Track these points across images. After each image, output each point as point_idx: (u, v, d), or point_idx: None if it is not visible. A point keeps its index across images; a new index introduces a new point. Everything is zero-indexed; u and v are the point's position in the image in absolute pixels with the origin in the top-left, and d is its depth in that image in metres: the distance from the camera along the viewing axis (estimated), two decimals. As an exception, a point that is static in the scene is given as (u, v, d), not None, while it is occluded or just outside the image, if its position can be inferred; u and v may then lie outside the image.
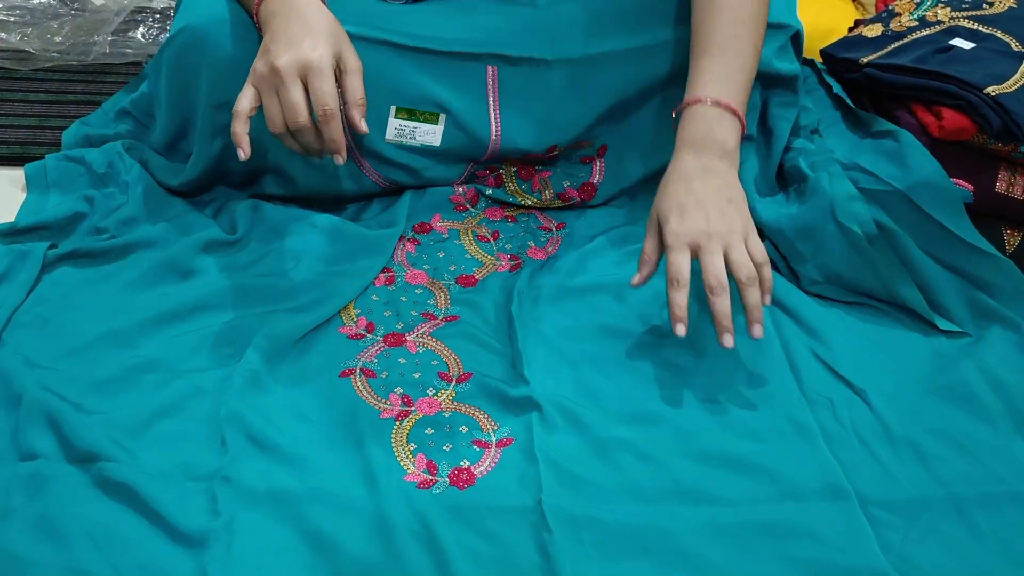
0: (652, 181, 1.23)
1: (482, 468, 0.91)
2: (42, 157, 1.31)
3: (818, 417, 0.98)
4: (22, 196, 1.23)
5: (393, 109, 1.15)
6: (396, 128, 1.15)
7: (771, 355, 1.05)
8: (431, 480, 0.89)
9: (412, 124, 1.16)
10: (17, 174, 1.30)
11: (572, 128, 1.22)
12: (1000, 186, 1.17)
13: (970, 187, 1.16)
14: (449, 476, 0.89)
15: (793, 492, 0.90)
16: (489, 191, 1.26)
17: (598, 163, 1.27)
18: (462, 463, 0.91)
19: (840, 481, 0.90)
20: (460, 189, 1.25)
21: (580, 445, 0.93)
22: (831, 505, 0.88)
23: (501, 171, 1.26)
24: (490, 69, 1.18)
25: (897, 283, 1.11)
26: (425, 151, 1.20)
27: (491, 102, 1.19)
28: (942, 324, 1.10)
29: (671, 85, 1.21)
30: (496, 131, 1.20)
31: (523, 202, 1.26)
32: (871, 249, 1.10)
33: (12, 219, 1.18)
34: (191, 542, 0.81)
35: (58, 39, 1.58)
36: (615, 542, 0.84)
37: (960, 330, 1.10)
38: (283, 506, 0.85)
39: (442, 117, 1.17)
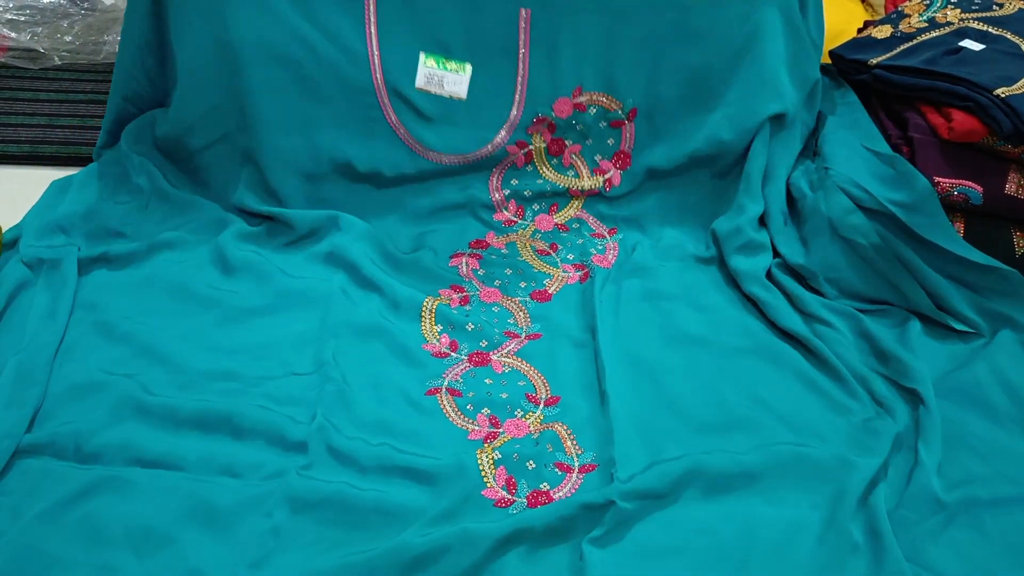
0: (684, 152, 1.25)
1: (562, 493, 0.90)
2: (50, 156, 1.32)
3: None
4: (32, 195, 1.23)
5: (422, 55, 1.17)
6: (426, 75, 1.18)
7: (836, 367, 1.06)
8: (509, 500, 0.89)
9: (440, 72, 1.18)
10: (27, 173, 1.30)
11: (599, 69, 1.22)
12: (1010, 188, 1.17)
13: (979, 188, 1.16)
14: (527, 498, 0.89)
15: (833, 494, 0.90)
16: (527, 190, 1.25)
17: (628, 127, 1.26)
18: (542, 486, 0.91)
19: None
20: (498, 196, 1.25)
21: (657, 465, 0.92)
22: (868, 510, 0.89)
23: (531, 147, 1.25)
24: (523, 12, 1.19)
25: (907, 289, 1.12)
26: (456, 103, 1.21)
27: (521, 44, 1.20)
28: (957, 325, 1.10)
29: (702, 39, 1.22)
30: (523, 72, 1.20)
31: (564, 186, 1.26)
32: (879, 258, 1.12)
33: (21, 217, 1.19)
34: (231, 544, 0.82)
35: (68, 38, 1.58)
36: (657, 540, 0.85)
37: (974, 331, 1.10)
38: (338, 513, 0.86)
39: (468, 67, 1.19)
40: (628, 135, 1.26)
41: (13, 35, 1.57)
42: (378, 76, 1.17)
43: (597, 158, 1.27)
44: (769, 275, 1.17)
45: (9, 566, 0.79)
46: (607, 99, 1.24)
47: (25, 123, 1.41)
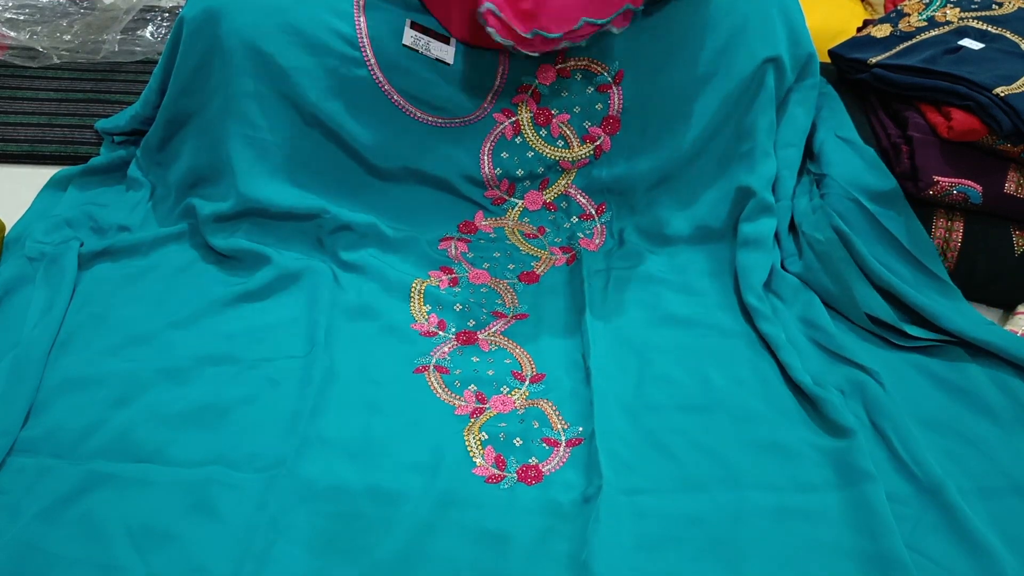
0: (672, 116, 1.24)
1: (550, 466, 0.93)
2: (50, 155, 1.32)
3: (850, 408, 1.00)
4: (32, 194, 1.23)
5: (408, 21, 1.17)
6: (412, 36, 1.17)
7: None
8: (499, 475, 0.91)
9: (427, 37, 1.18)
10: (27, 172, 1.30)
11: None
12: (1009, 187, 1.17)
13: (979, 188, 1.16)
14: (517, 472, 0.92)
15: (820, 480, 0.92)
16: (519, 169, 1.24)
17: (615, 91, 1.24)
18: (531, 460, 0.93)
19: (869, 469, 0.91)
20: (489, 172, 1.23)
21: (639, 437, 0.95)
22: (856, 491, 0.90)
23: (517, 117, 1.24)
24: None
25: (861, 294, 1.12)
26: (441, 68, 1.20)
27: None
28: (913, 331, 1.10)
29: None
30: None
31: (555, 157, 1.24)
32: (833, 255, 1.13)
33: (20, 216, 1.19)
34: (233, 538, 0.82)
35: (67, 37, 1.58)
36: (652, 532, 0.86)
37: (930, 339, 1.09)
38: (335, 501, 0.86)
39: (453, 39, 1.19)
40: (616, 99, 1.24)
41: (12, 34, 1.57)
42: (363, 30, 1.17)
43: (586, 124, 1.25)
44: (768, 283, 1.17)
45: (9, 565, 0.79)
46: (592, 63, 1.22)
47: (25, 122, 1.41)
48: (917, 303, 1.09)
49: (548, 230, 1.24)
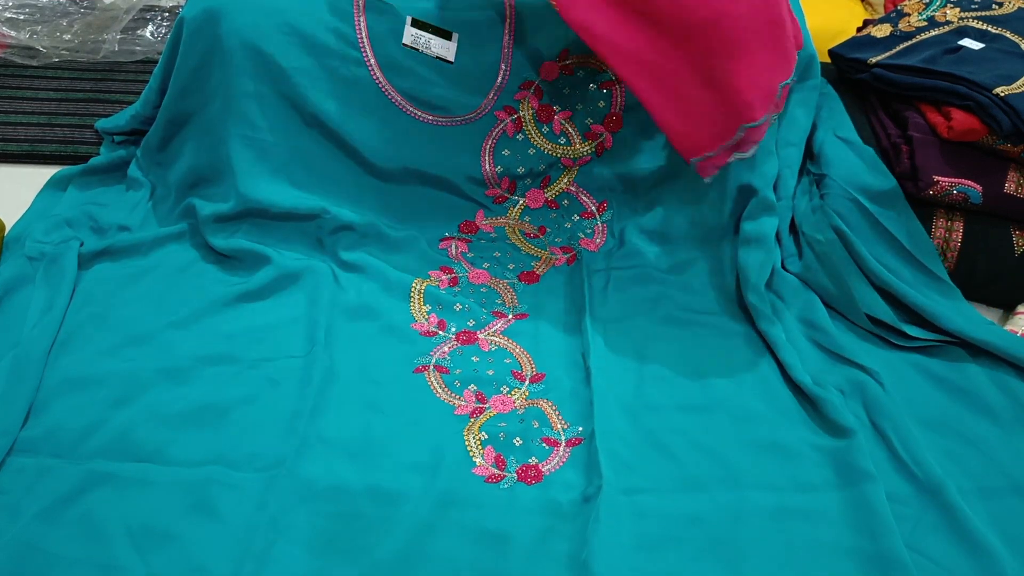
0: None
1: (550, 466, 0.93)
2: (50, 154, 1.32)
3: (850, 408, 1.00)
4: (32, 194, 1.24)
5: (409, 19, 1.17)
6: (412, 35, 1.18)
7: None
8: (499, 475, 0.91)
9: (427, 35, 1.18)
10: (27, 172, 1.30)
11: None
12: (1009, 187, 1.17)
13: (979, 187, 1.16)
14: (517, 472, 0.92)
15: (820, 480, 0.92)
16: (520, 167, 1.24)
17: (618, 88, 1.25)
18: (530, 460, 0.93)
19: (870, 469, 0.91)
20: (490, 170, 1.23)
21: (639, 437, 0.96)
22: (856, 491, 0.90)
23: (519, 114, 1.24)
24: None
25: (861, 294, 1.12)
26: (442, 66, 1.20)
27: (507, 7, 1.20)
28: (912, 331, 1.10)
29: None
30: (509, 36, 1.20)
31: (556, 155, 1.25)
32: (833, 255, 1.13)
33: (20, 215, 1.19)
34: (233, 538, 0.82)
35: (67, 37, 1.58)
36: (652, 532, 0.86)
37: (930, 339, 1.09)
38: (335, 501, 0.87)
39: (455, 35, 1.19)
40: (619, 96, 1.25)
41: (13, 33, 1.57)
42: (363, 30, 1.17)
43: (588, 122, 1.25)
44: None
45: (9, 565, 0.79)
46: (596, 60, 1.23)
47: (25, 121, 1.41)
48: (917, 303, 1.09)
49: (549, 229, 1.24)
